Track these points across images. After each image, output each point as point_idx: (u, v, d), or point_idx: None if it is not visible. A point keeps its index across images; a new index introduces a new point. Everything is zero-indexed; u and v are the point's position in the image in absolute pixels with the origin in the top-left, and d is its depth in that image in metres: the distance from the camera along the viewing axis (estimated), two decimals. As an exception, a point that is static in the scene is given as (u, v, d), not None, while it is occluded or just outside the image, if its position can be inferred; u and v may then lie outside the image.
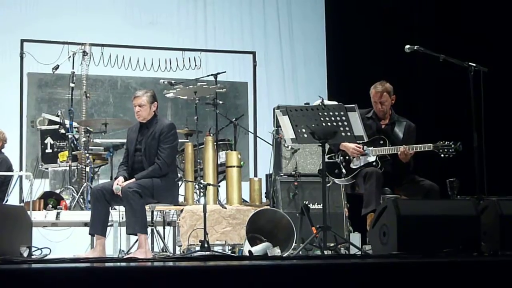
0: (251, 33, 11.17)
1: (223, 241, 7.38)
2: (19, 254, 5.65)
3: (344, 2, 10.95)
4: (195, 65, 10.19)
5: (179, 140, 7.41)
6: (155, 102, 6.96)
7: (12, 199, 8.56)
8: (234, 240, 7.41)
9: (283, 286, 3.57)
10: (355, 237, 7.86)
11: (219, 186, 7.96)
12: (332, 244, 6.49)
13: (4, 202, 8.19)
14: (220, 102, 8.22)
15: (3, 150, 8.69)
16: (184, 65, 10.19)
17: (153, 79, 9.72)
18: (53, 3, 10.38)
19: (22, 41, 9.93)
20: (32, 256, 5.99)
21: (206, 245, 6.53)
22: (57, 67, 8.44)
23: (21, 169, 9.32)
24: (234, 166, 8.01)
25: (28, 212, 6.58)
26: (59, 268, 3.92)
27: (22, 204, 8.05)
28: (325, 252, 5.94)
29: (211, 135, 8.11)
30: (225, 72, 8.58)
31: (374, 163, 6.73)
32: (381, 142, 6.78)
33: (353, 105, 6.05)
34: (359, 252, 6.28)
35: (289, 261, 4.96)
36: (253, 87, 10.79)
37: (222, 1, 11.16)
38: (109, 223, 6.84)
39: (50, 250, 6.51)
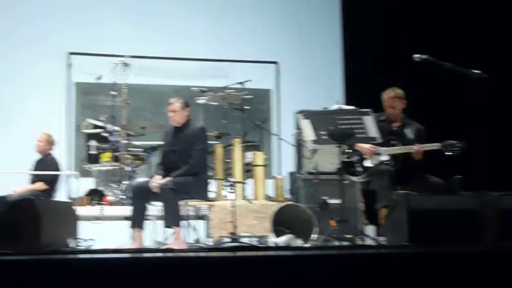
0: (273, 43, 11.17)
1: (250, 233, 7.38)
2: (66, 245, 5.70)
3: (360, 10, 10.89)
4: (223, 74, 10.22)
5: (210, 142, 7.43)
6: (187, 108, 6.98)
7: (61, 196, 8.62)
8: (260, 232, 7.41)
9: (306, 273, 3.57)
10: (370, 230, 7.82)
11: (246, 183, 7.97)
12: (349, 236, 6.48)
13: (53, 199, 8.26)
14: (247, 107, 8.23)
15: (51, 152, 8.75)
16: (212, 74, 10.24)
17: (185, 87, 9.75)
18: (97, 19, 10.45)
19: (69, 53, 10.03)
20: (78, 247, 6.04)
21: (235, 237, 6.54)
22: (100, 77, 8.50)
23: (68, 169, 9.39)
24: (259, 165, 8.02)
25: (75, 207, 6.62)
26: (102, 257, 3.95)
27: (69, 200, 8.10)
28: (343, 243, 5.93)
29: (239, 137, 8.12)
30: (250, 80, 8.60)
31: (386, 162, 6.71)
32: (393, 142, 6.76)
33: (368, 110, 6.05)
34: (374, 243, 6.26)
35: (311, 251, 4.96)
36: (276, 93, 10.81)
37: (243, 15, 11.18)
38: (147, 217, 6.86)
39: (94, 242, 6.56)
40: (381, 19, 10.60)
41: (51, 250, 4.92)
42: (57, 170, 8.60)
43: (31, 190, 8.33)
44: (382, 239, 6.28)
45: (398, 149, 6.68)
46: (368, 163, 6.79)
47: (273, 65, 10.92)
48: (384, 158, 6.73)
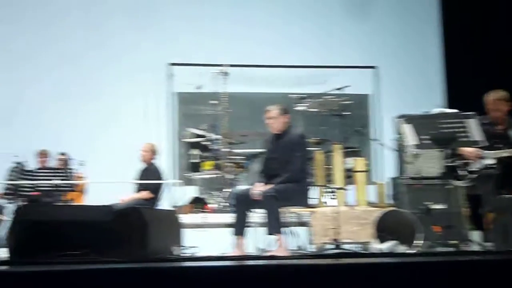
0: (371, 48, 11.08)
1: (352, 239, 7.32)
2: (171, 253, 5.79)
3: (459, 10, 10.65)
4: (321, 81, 10.19)
5: (310, 149, 7.40)
6: (286, 115, 6.98)
7: (164, 204, 8.79)
8: (362, 238, 7.34)
9: (411, 280, 3.51)
10: (476, 235, 7.62)
11: (347, 189, 7.91)
12: (454, 242, 6.32)
13: (157, 207, 8.43)
14: (346, 113, 8.17)
15: (155, 161, 8.94)
16: (310, 80, 10.23)
17: (284, 95, 9.78)
18: (196, 30, 10.65)
19: (170, 64, 10.26)
20: (183, 254, 6.14)
21: (337, 243, 6.50)
22: (200, 87, 8.64)
23: (171, 178, 9.57)
24: (360, 171, 7.95)
25: (179, 215, 6.73)
26: (206, 265, 3.99)
27: (173, 209, 8.25)
28: (448, 249, 5.79)
29: (339, 143, 8.07)
30: (349, 86, 8.53)
31: (491, 166, 6.52)
32: (498, 146, 6.56)
33: (472, 113, 5.90)
34: (481, 249, 6.09)
35: (416, 258, 4.86)
36: (374, 98, 10.71)
37: (340, 21, 11.14)
38: (249, 225, 6.90)
39: (198, 249, 6.64)
40: (482, 19, 10.33)
41: (157, 257, 5.01)
42: (161, 179, 8.77)
43: (137, 199, 8.53)
44: (489, 245, 6.10)
45: (503, 152, 6.48)
46: (472, 167, 6.61)
47: (371, 70, 10.84)
48: (489, 161, 6.53)
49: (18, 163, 8.51)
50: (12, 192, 8.49)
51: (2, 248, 5.58)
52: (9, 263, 4.55)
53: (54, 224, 5.07)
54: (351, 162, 8.05)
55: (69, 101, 10.52)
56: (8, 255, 5.00)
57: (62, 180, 8.43)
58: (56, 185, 8.41)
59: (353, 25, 11.16)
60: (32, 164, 8.99)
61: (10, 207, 8.72)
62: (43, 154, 9.40)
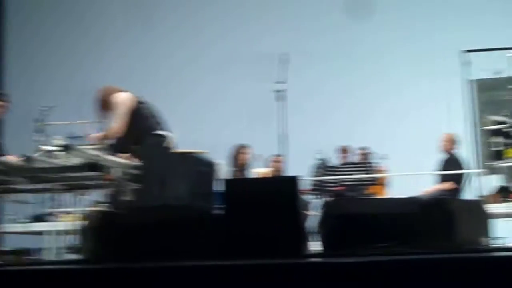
0: None
1: None
2: (479, 244, 5.64)
3: None
4: None
5: None
6: None
7: (468, 194, 8.58)
8: None
9: None
10: None
11: None
12: None
13: (460, 197, 8.26)
14: None
15: (456, 151, 8.77)
16: None
17: None
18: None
19: (465, 51, 10.01)
20: (492, 245, 5.94)
21: None
22: (499, 72, 8.31)
23: (473, 167, 9.32)
24: None
25: (485, 205, 6.53)
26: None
27: (479, 198, 8.02)
28: None
29: None
30: None
31: None
32: None
33: None
34: None
35: None
36: None
37: None
38: None
39: (506, 240, 6.39)
40: None
41: (466, 248, 4.92)
42: (463, 168, 8.58)
43: (440, 190, 8.43)
44: None
45: None
46: None
47: None
48: None
49: (322, 159, 8.86)
50: (318, 187, 8.86)
51: (314, 242, 5.86)
52: (323, 255, 4.75)
53: (362, 217, 5.20)
54: None
55: (366, 96, 10.72)
56: (321, 248, 5.24)
57: (365, 174, 8.62)
58: (359, 179, 8.62)
59: None
60: (334, 160, 9.31)
61: (316, 203, 9.12)
62: (344, 150, 9.68)
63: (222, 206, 4.24)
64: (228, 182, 4.94)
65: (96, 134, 6.44)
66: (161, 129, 6.38)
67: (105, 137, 6.35)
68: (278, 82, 6.81)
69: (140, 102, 6.40)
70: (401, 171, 9.04)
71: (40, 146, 6.60)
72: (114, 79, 10.50)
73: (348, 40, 10.96)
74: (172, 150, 6.48)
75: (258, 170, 8.97)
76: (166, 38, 11.52)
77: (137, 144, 6.42)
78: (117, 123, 6.26)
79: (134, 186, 6.35)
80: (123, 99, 6.31)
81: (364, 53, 10.86)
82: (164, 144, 6.31)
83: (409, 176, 8.85)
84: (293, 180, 4.03)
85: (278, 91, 6.82)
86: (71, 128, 7.80)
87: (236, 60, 11.09)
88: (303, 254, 3.97)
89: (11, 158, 6.64)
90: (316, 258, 3.99)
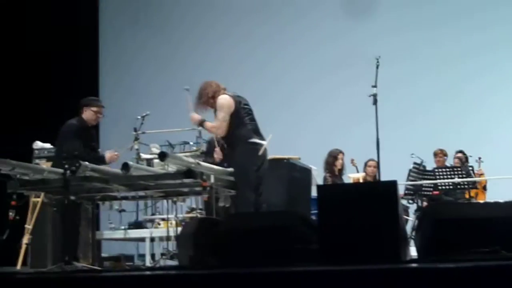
0: None
1: None
2: None
3: None
4: None
5: None
6: None
7: None
8: None
9: None
10: None
11: None
12: None
13: None
14: None
15: None
16: None
17: None
18: None
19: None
20: None
21: None
22: None
23: None
24: None
25: None
26: None
27: None
28: None
29: None
30: None
31: None
32: None
33: None
34: None
35: None
36: None
37: None
38: None
39: None
40: None
41: None
42: None
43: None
44: None
45: None
46: None
47: None
48: None
49: (418, 163, 8.71)
50: (413, 192, 8.70)
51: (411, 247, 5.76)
52: (417, 260, 4.67)
53: (461, 221, 5.07)
54: None
55: (460, 97, 10.53)
56: (417, 253, 5.14)
57: (462, 178, 8.41)
58: (456, 183, 8.42)
59: None
60: (429, 163, 9.14)
61: (412, 207, 8.97)
62: (440, 153, 9.49)
63: (317, 212, 4.22)
64: (322, 188, 4.91)
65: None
66: (257, 137, 6.39)
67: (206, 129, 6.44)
68: (373, 86, 6.75)
69: (241, 105, 6.43)
70: (498, 174, 8.79)
71: (137, 154, 6.77)
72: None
73: (441, 40, 10.76)
74: (266, 158, 6.49)
75: (352, 175, 8.91)
76: (264, 45, 11.56)
77: (230, 148, 6.46)
78: (218, 126, 6.30)
79: (230, 192, 6.43)
80: (228, 102, 6.33)
81: (456, 53, 10.65)
82: (260, 153, 6.31)
83: (507, 180, 8.60)
84: (392, 184, 3.98)
85: (372, 95, 6.76)
86: (167, 136, 7.96)
87: (332, 65, 11.06)
88: (404, 260, 3.90)
89: (108, 156, 6.84)
90: (416, 263, 3.92)
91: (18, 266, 7.62)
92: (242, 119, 6.36)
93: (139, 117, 7.71)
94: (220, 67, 10.79)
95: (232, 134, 6.32)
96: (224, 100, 6.34)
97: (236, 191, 6.25)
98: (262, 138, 6.41)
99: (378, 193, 3.95)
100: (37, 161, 7.88)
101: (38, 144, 8.07)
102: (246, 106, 6.46)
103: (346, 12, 11.11)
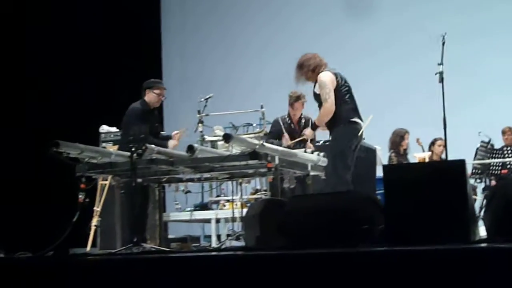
0: None
1: None
2: None
3: None
4: None
5: None
6: None
7: None
8: None
9: None
10: None
11: None
12: None
13: None
14: None
15: None
16: None
17: None
18: None
19: None
20: None
21: None
22: None
23: None
24: None
25: None
26: None
27: None
28: None
29: None
30: None
31: None
32: None
33: None
34: None
35: None
36: None
37: None
38: None
39: None
40: None
41: None
42: None
43: None
44: None
45: None
46: None
47: None
48: None
49: (486, 142, 8.54)
50: (481, 171, 8.55)
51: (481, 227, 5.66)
52: (487, 240, 4.59)
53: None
54: None
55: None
56: (485, 233, 5.05)
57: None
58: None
59: None
60: (497, 142, 8.96)
61: (480, 186, 8.82)
62: (508, 131, 9.29)
63: (383, 192, 4.18)
64: (388, 167, 4.85)
65: None
66: (357, 116, 6.29)
67: (320, 119, 6.35)
68: (439, 64, 6.61)
69: (342, 82, 6.31)
70: None
71: (201, 136, 6.83)
72: (271, 70, 10.69)
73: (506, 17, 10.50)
74: (362, 139, 6.40)
75: (417, 155, 8.80)
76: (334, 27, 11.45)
77: (330, 128, 6.34)
78: (328, 103, 6.18)
79: (295, 173, 6.41)
80: (331, 78, 6.23)
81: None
82: (359, 133, 6.23)
83: None
84: (461, 163, 3.90)
85: (439, 72, 6.62)
86: (230, 118, 8.00)
87: (396, 42, 10.90)
88: (473, 240, 3.84)
89: (173, 143, 6.91)
90: (486, 243, 3.85)
91: (88, 248, 7.81)
92: (343, 97, 6.27)
93: (202, 99, 7.77)
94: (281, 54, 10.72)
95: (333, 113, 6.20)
96: (327, 77, 6.24)
97: (332, 172, 6.20)
98: (360, 118, 6.31)
99: (446, 172, 3.88)
100: (104, 144, 8.04)
101: (104, 128, 8.22)
102: (346, 84, 6.36)
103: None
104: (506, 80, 10.34)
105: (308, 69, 6.31)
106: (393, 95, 10.66)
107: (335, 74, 6.29)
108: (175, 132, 7.09)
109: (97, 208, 7.87)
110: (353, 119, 6.23)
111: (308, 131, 6.65)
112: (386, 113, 10.21)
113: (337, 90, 6.23)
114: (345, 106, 6.24)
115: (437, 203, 3.79)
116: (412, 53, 10.56)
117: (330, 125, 6.30)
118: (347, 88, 6.32)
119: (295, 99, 7.66)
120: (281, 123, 7.67)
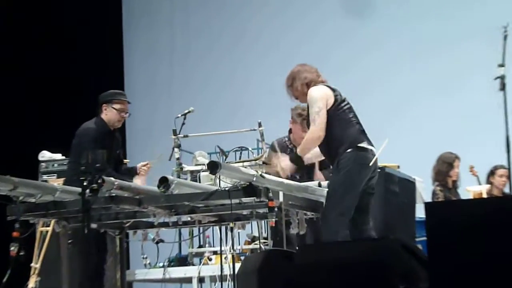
0: None
1: None
2: None
3: None
4: None
5: None
6: None
7: None
8: None
9: None
10: None
11: None
12: None
13: None
14: None
15: None
16: None
17: None
18: None
19: None
20: None
21: None
22: None
23: None
24: None
25: None
26: None
27: None
28: None
29: None
30: None
31: None
32: None
33: None
34: None
35: None
36: None
37: None
38: None
39: None
40: None
41: None
42: None
43: None
44: None
45: None
46: None
47: None
48: None
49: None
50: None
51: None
52: None
53: None
54: None
55: None
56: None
57: None
58: None
59: None
60: None
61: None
62: None
63: (425, 239, 4.19)
64: (432, 206, 4.86)
65: None
66: (366, 141, 6.30)
67: (302, 147, 6.39)
68: (500, 66, 6.59)
69: (342, 98, 6.37)
70: None
71: (179, 165, 6.80)
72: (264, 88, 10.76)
73: None
74: (377, 170, 6.39)
75: (472, 188, 8.82)
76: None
77: (330, 157, 6.37)
78: (316, 125, 6.21)
79: (306, 215, 6.41)
80: (324, 94, 6.27)
81: None
82: (371, 163, 6.20)
83: None
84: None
85: (499, 77, 6.60)
86: (217, 140, 7.97)
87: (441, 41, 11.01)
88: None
89: (139, 180, 6.91)
90: None
91: (23, 320, 7.78)
92: (346, 116, 6.32)
93: (179, 115, 7.76)
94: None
95: (334, 136, 6.25)
96: (319, 91, 6.29)
97: (322, 217, 6.21)
98: (370, 143, 6.33)
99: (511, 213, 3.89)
100: (44, 177, 8.04)
101: (45, 155, 8.22)
102: (345, 101, 6.39)
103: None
104: None
105: (302, 83, 6.34)
106: (438, 109, 10.71)
107: (333, 90, 6.31)
108: (142, 163, 7.10)
109: (36, 265, 7.85)
110: (362, 144, 6.23)
111: (284, 163, 6.52)
112: (427, 131, 10.24)
113: (336, 109, 6.25)
114: (351, 129, 6.27)
115: (501, 254, 3.79)
116: (463, 52, 10.64)
117: (330, 153, 6.30)
118: (349, 106, 6.34)
119: (298, 116, 7.59)
120: (277, 149, 7.61)
